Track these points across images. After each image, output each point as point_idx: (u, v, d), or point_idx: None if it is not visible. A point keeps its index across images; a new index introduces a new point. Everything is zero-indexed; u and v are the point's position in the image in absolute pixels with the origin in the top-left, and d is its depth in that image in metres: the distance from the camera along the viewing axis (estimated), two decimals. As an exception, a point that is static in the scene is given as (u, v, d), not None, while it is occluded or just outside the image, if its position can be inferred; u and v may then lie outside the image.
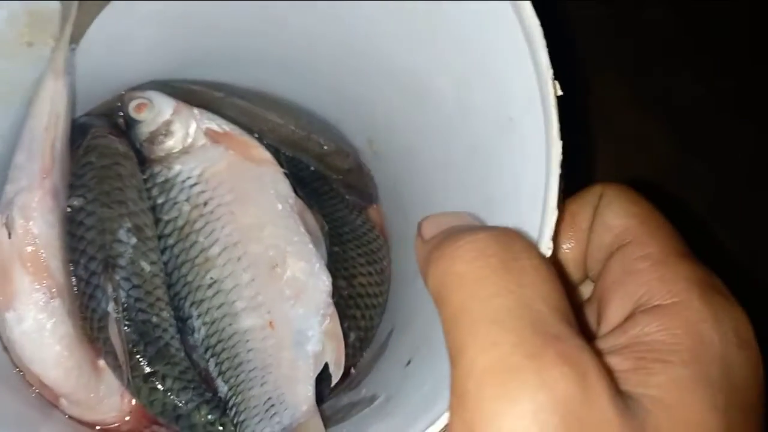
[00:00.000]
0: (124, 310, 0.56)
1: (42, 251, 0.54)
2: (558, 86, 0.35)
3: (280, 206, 0.64)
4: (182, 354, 0.60)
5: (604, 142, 0.88)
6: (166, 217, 0.64)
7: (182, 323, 0.62)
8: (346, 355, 0.65)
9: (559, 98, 0.35)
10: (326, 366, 0.57)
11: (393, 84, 0.62)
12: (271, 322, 0.59)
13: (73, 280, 0.58)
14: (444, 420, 0.34)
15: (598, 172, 0.87)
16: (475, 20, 0.41)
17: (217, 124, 0.68)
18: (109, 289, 0.55)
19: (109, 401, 0.59)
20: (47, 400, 0.58)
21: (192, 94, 0.71)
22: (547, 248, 0.34)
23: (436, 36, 0.47)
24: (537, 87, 0.37)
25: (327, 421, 0.54)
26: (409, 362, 0.50)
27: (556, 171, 0.34)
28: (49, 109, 0.56)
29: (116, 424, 0.61)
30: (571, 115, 0.36)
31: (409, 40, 0.53)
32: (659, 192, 0.42)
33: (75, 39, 0.59)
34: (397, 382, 0.50)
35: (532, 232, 0.36)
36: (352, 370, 0.66)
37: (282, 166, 0.68)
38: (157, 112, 0.67)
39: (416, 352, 0.50)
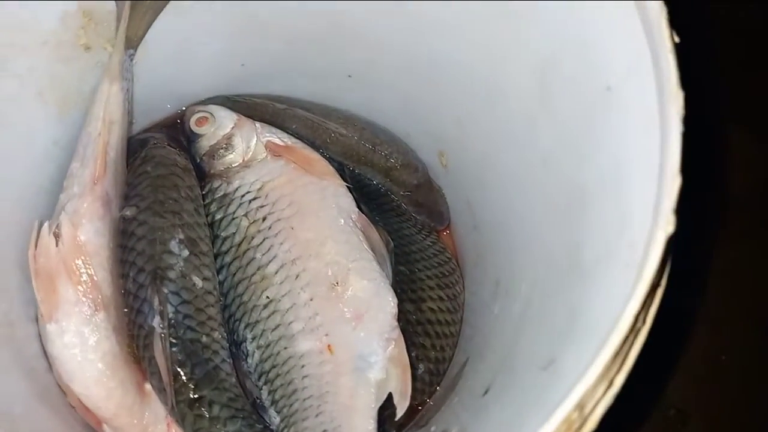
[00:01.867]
0: (171, 326, 0.51)
1: (89, 261, 0.51)
2: (674, 33, 0.28)
3: (342, 221, 0.59)
4: (233, 380, 0.54)
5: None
6: (223, 234, 0.60)
7: (236, 347, 0.57)
8: (414, 391, 0.58)
9: (677, 46, 0.28)
10: (390, 397, 0.49)
11: (464, 87, 0.56)
12: (329, 346, 0.53)
13: (123, 295, 0.54)
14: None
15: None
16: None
17: (278, 137, 0.65)
18: (156, 302, 0.51)
19: (155, 430, 0.54)
20: (89, 425, 0.54)
21: (254, 107, 0.68)
22: (668, 221, 0.26)
23: (513, 18, 0.41)
24: (644, 39, 0.30)
25: (390, 460, 0.47)
26: (486, 392, 0.43)
27: (677, 128, 0.26)
28: (103, 114, 0.54)
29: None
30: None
31: (483, 29, 0.47)
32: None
33: (133, 44, 0.57)
34: (472, 414, 0.43)
35: (644, 211, 0.28)
36: (420, 408, 0.58)
37: (345, 180, 0.63)
38: (218, 126, 0.65)
39: (494, 381, 0.42)
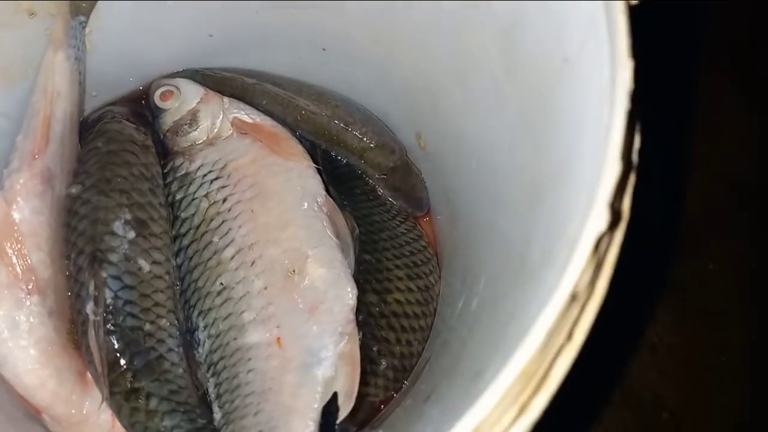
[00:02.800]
0: (109, 313, 0.48)
1: (23, 240, 0.48)
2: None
3: (306, 205, 0.55)
4: (179, 371, 0.51)
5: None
6: (183, 215, 0.57)
7: (190, 336, 0.54)
8: (377, 387, 0.54)
9: (632, 9, 0.23)
10: (335, 397, 0.46)
11: (436, 61, 0.51)
12: (279, 339, 0.49)
13: (67, 277, 0.51)
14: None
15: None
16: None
17: (246, 113, 0.61)
18: (92, 287, 0.48)
19: (97, 420, 0.51)
20: (30, 413, 0.51)
21: (223, 81, 0.64)
22: (599, 217, 0.22)
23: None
24: (600, 2, 0.25)
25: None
26: (428, 397, 0.38)
27: (621, 104, 0.21)
28: (45, 85, 0.50)
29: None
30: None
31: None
32: None
33: (82, 10, 0.53)
34: (412, 421, 0.39)
35: (586, 201, 0.23)
36: (383, 407, 0.54)
37: (316, 161, 0.59)
38: (183, 100, 0.61)
39: (437, 387, 0.38)
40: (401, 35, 0.52)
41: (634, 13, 0.24)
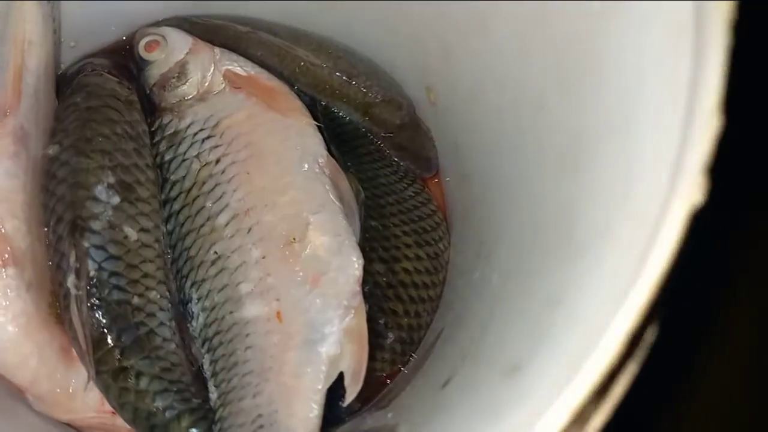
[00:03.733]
0: (93, 286, 0.44)
1: (-5, 207, 0.43)
2: None
3: (306, 166, 0.51)
4: (172, 347, 0.47)
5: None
6: (173, 177, 0.53)
7: (183, 307, 0.50)
8: (383, 362, 0.51)
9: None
10: (341, 378, 0.42)
11: (449, 7, 0.46)
12: (279, 313, 0.45)
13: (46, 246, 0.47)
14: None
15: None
16: None
17: (239, 66, 0.56)
18: (72, 258, 0.44)
19: (84, 397, 0.48)
20: (13, 393, 0.47)
21: (214, 30, 0.59)
22: (693, 188, 0.17)
23: None
24: None
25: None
26: (446, 383, 0.35)
27: (719, 41, 0.17)
28: (14, 33, 0.45)
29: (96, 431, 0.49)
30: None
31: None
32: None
33: (54, -53, 0.48)
34: (427, 410, 0.35)
35: (660, 170, 0.19)
36: (389, 382, 0.51)
37: (316, 118, 0.55)
38: (170, 51, 0.56)
39: (457, 371, 0.34)
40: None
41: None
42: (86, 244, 0.45)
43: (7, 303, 0.44)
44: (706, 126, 0.17)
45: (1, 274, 0.43)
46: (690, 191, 0.17)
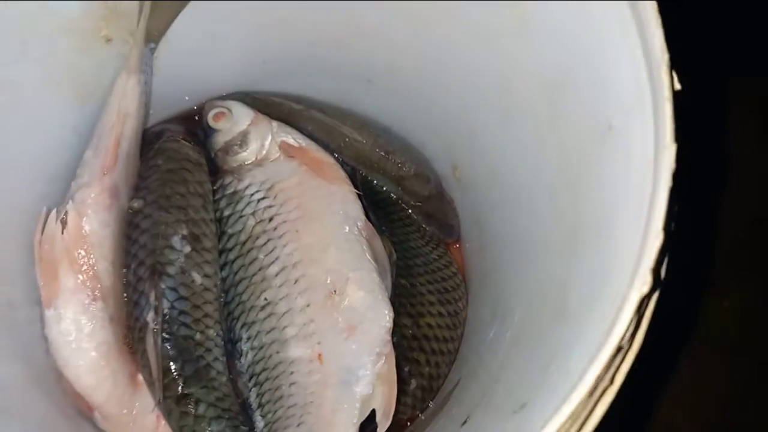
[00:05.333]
0: (165, 321, 0.52)
1: (91, 251, 0.52)
2: (675, 78, 0.27)
3: (347, 228, 0.58)
4: (224, 379, 0.54)
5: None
6: (230, 231, 0.60)
7: (232, 345, 0.57)
8: (405, 405, 0.57)
9: (676, 94, 0.27)
10: (373, 414, 0.49)
11: (479, 99, 0.55)
12: (320, 355, 0.52)
13: (124, 285, 0.55)
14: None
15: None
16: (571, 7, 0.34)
17: (293, 138, 0.64)
18: (152, 297, 0.52)
19: (144, 421, 0.55)
20: (81, 411, 0.55)
21: (272, 106, 0.68)
22: (644, 282, 0.25)
23: (528, 31, 0.40)
24: (647, 81, 0.29)
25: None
26: (465, 421, 0.42)
27: (665, 183, 0.25)
28: (118, 106, 0.55)
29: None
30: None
31: (498, 40, 0.46)
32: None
33: (154, 38, 0.58)
34: (449, 444, 0.42)
35: (628, 264, 0.27)
36: (409, 424, 0.57)
37: (356, 186, 0.62)
38: (235, 122, 0.64)
39: (473, 413, 0.41)
40: (448, 73, 0.56)
41: (677, 97, 0.27)
42: (163, 286, 0.52)
43: (92, 332, 0.51)
44: (653, 241, 0.25)
45: (92, 308, 0.51)
46: (641, 284, 0.25)
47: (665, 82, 0.26)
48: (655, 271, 0.25)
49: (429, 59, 0.58)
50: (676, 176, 0.25)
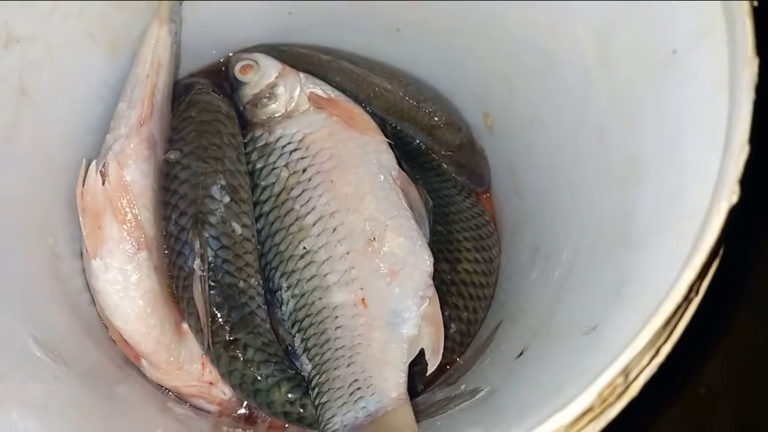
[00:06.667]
0: (210, 269, 0.52)
1: (133, 200, 0.52)
2: (755, -4, 0.27)
3: (381, 177, 0.58)
4: (267, 326, 0.55)
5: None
6: (263, 183, 0.60)
7: (271, 295, 0.58)
8: (445, 349, 0.58)
9: (755, 10, 0.27)
10: (421, 353, 0.50)
11: (518, 47, 0.54)
12: (363, 299, 0.53)
13: (164, 237, 0.55)
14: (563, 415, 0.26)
15: None
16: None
17: (321, 89, 0.64)
18: (197, 245, 0.52)
19: (190, 368, 0.56)
20: (128, 359, 0.55)
21: (299, 57, 0.67)
22: (732, 192, 0.25)
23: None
24: (718, 1, 0.28)
25: (419, 414, 0.47)
26: (520, 354, 0.43)
27: (748, 96, 0.25)
28: (151, 57, 0.54)
29: (196, 398, 0.57)
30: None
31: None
32: None
33: (184, -12, 0.57)
34: (505, 375, 0.43)
35: (704, 182, 0.27)
36: (448, 368, 0.58)
37: (387, 136, 0.62)
38: (262, 75, 0.64)
39: (529, 344, 0.42)
40: (483, 20, 0.55)
41: (757, 12, 0.27)
42: (206, 234, 0.53)
43: (139, 281, 0.52)
44: (740, 153, 0.26)
45: (137, 257, 0.52)
46: (730, 194, 0.26)
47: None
48: (742, 183, 0.26)
49: (463, 8, 0.58)
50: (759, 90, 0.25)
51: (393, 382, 0.48)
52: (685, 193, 0.29)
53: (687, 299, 0.26)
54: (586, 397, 0.25)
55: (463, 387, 0.50)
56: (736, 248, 0.72)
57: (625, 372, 0.25)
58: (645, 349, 0.25)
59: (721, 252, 0.27)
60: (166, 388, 0.57)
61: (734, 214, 0.26)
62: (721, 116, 0.27)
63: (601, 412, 0.25)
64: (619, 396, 0.25)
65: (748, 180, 0.28)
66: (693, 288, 0.26)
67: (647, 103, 0.36)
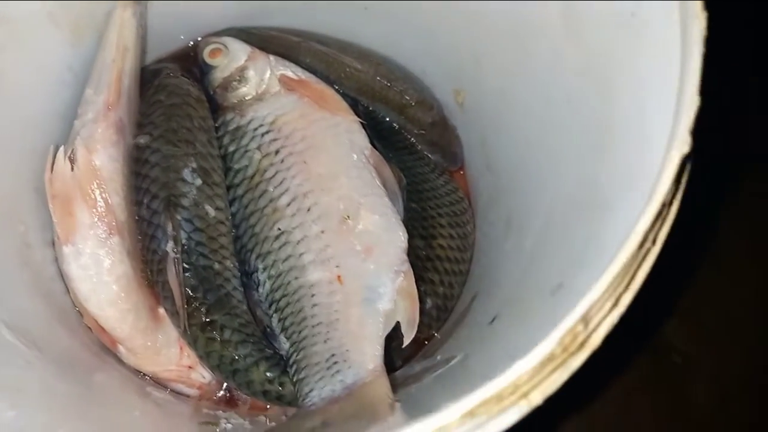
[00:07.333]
0: (184, 252, 0.52)
1: (103, 185, 0.52)
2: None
3: (354, 157, 0.59)
4: (244, 307, 0.55)
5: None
6: (236, 166, 0.60)
7: (247, 278, 0.58)
8: (422, 324, 0.58)
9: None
10: (396, 328, 0.50)
11: (484, 22, 0.55)
12: (339, 277, 0.53)
13: (136, 221, 0.55)
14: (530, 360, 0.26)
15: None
16: None
17: (292, 71, 0.64)
18: (169, 228, 0.52)
19: (167, 353, 0.55)
20: (105, 346, 0.55)
21: (269, 40, 0.67)
22: (683, 143, 0.26)
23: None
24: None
25: (396, 386, 0.48)
26: (493, 319, 0.43)
27: (698, 49, 0.26)
28: (117, 40, 0.54)
29: (175, 383, 0.57)
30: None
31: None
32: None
33: (147, -31, 0.56)
34: (479, 341, 0.44)
35: (663, 139, 0.28)
36: (426, 343, 0.59)
37: (359, 116, 0.62)
38: (232, 58, 0.64)
39: (501, 311, 0.43)
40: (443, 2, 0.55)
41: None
42: (179, 217, 0.53)
43: (112, 266, 0.51)
44: (690, 104, 0.26)
45: (109, 241, 0.51)
46: (682, 144, 0.26)
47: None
48: (693, 134, 0.26)
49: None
50: (708, 43, 0.26)
51: (370, 355, 0.48)
52: (648, 154, 0.30)
53: (643, 248, 0.27)
54: (547, 345, 0.25)
55: (438, 357, 0.51)
56: (710, 213, 0.74)
57: (585, 320, 0.26)
58: (604, 296, 0.26)
59: (677, 202, 0.28)
60: (144, 374, 0.57)
61: (688, 163, 0.27)
62: (675, 73, 0.28)
63: (563, 362, 0.26)
64: (581, 345, 0.26)
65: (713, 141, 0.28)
66: (648, 237, 0.27)
67: (610, 69, 0.37)
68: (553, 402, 0.27)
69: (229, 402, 0.58)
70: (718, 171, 0.73)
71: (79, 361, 0.51)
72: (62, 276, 0.54)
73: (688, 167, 0.27)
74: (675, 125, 0.27)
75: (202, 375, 0.57)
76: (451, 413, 0.24)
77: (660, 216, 0.26)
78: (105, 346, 0.55)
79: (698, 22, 0.26)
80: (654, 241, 0.27)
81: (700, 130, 0.27)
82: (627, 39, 0.34)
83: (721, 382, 0.73)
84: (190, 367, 0.57)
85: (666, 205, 0.26)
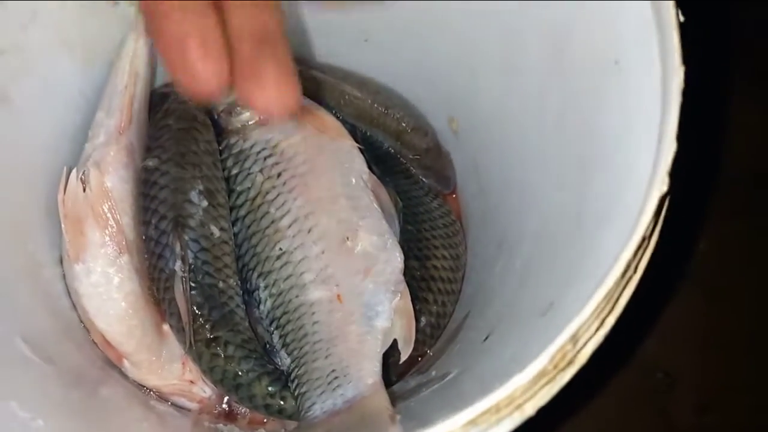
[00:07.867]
0: (191, 271, 0.54)
1: (114, 206, 0.54)
2: (679, 12, 0.31)
3: (353, 180, 0.61)
4: (246, 323, 0.57)
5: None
6: (239, 188, 0.63)
7: (249, 295, 0.60)
8: (416, 342, 0.61)
9: (681, 25, 0.31)
10: (393, 346, 0.53)
11: (477, 49, 0.58)
12: (339, 296, 0.56)
13: (144, 241, 0.57)
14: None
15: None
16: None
17: (294, 97, 0.66)
18: (177, 248, 0.54)
19: (171, 367, 0.57)
20: (110, 360, 0.57)
21: (271, 67, 0.70)
22: (662, 183, 0.29)
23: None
24: (651, 17, 0.32)
25: (394, 401, 0.50)
26: (487, 337, 0.46)
27: (676, 100, 0.29)
28: (129, 68, 0.56)
29: (177, 397, 0.59)
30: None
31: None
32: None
33: None
34: (473, 357, 0.46)
35: (642, 178, 0.31)
36: (420, 359, 0.62)
37: (358, 142, 0.65)
38: (236, 84, 0.66)
39: (494, 329, 0.46)
40: (446, 29, 0.59)
41: (683, 27, 0.31)
42: (186, 237, 0.55)
43: (121, 283, 0.53)
44: (669, 148, 0.30)
45: (119, 260, 0.53)
46: (661, 184, 0.29)
47: (671, 16, 0.30)
48: (671, 175, 0.29)
49: (425, 16, 0.61)
50: (685, 95, 0.29)
51: (369, 371, 0.51)
52: (627, 189, 0.33)
53: (625, 276, 0.30)
54: (541, 360, 0.28)
55: (433, 373, 0.54)
56: (688, 235, 0.77)
57: (574, 339, 0.29)
58: (590, 319, 0.29)
59: (656, 235, 0.31)
60: (147, 388, 0.59)
61: (666, 201, 0.30)
62: (655, 119, 0.31)
63: (554, 377, 0.28)
64: (570, 362, 0.29)
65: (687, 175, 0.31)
66: (630, 266, 0.30)
67: (596, 108, 0.40)
68: (543, 413, 0.29)
69: (229, 416, 0.60)
70: (695, 193, 0.77)
71: (87, 375, 0.53)
72: (69, 293, 0.56)
73: (666, 203, 0.30)
74: (655, 166, 0.30)
75: (203, 389, 0.59)
76: (454, 422, 0.27)
77: (641, 248, 0.29)
78: (109, 361, 0.57)
79: (677, 76, 0.30)
80: (635, 269, 0.30)
81: (677, 160, 0.30)
82: (611, 83, 0.37)
83: (702, 397, 0.76)
84: (191, 382, 0.59)
85: (646, 239, 0.30)
